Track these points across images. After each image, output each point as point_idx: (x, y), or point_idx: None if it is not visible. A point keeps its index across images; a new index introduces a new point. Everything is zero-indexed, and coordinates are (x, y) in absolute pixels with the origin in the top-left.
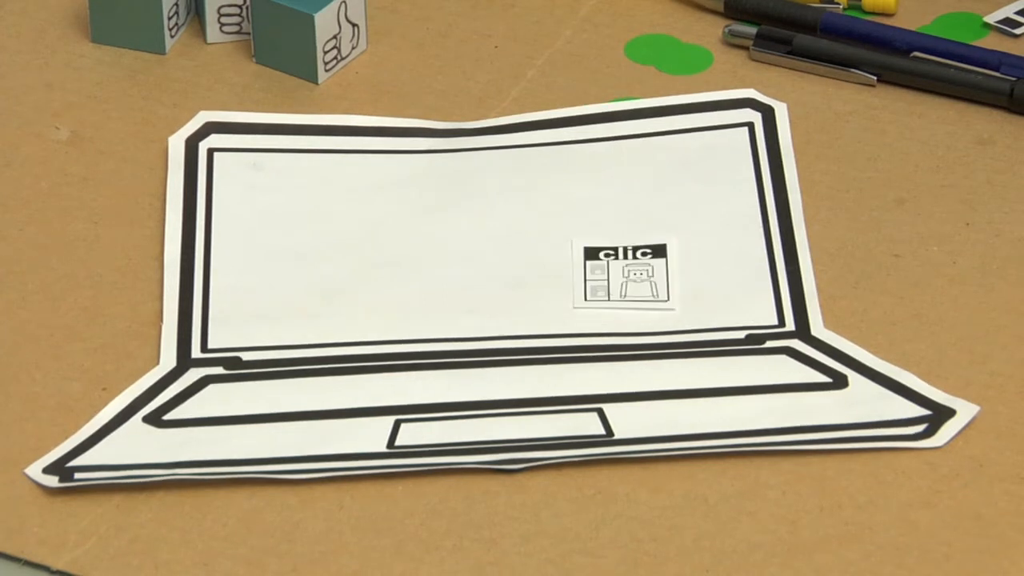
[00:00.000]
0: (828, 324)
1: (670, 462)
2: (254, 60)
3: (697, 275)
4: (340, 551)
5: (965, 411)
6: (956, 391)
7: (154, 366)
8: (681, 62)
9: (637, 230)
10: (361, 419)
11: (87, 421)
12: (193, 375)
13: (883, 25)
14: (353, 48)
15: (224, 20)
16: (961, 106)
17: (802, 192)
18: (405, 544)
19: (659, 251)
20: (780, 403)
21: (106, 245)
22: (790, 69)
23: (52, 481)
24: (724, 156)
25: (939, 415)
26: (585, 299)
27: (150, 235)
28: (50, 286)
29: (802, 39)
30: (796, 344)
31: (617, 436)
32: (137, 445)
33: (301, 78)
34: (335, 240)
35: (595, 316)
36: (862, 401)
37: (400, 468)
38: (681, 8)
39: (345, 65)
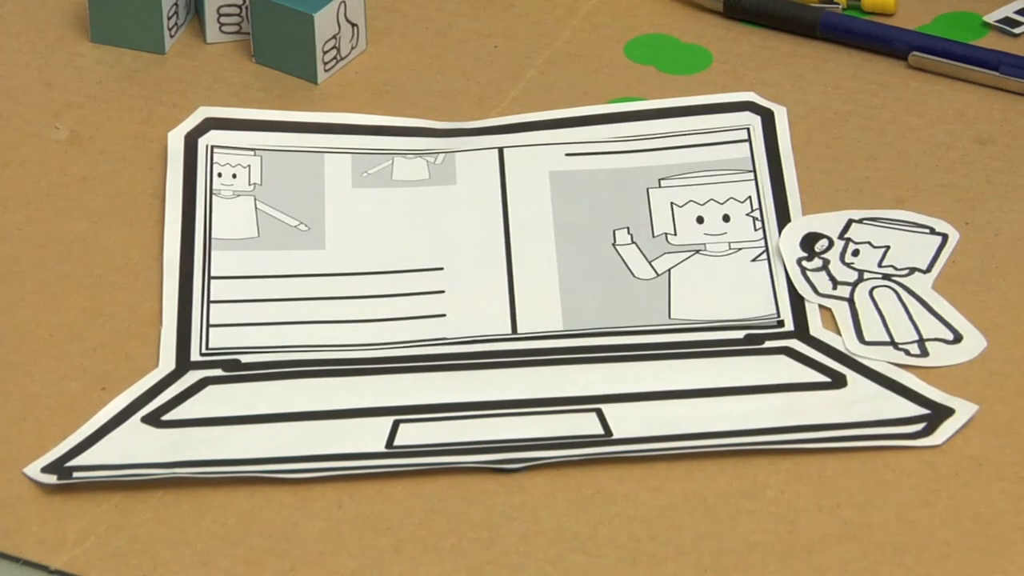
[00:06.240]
0: (827, 324)
1: (669, 462)
2: (254, 60)
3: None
4: (339, 551)
5: (964, 410)
6: (955, 390)
7: (153, 366)
8: (681, 62)
9: (635, 231)
10: (360, 419)
11: (86, 421)
12: (192, 377)
13: (883, 25)
14: (353, 48)
15: (224, 20)
16: (961, 106)
17: (802, 192)
18: (404, 544)
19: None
20: (779, 403)
21: (105, 245)
22: (791, 67)
23: (51, 480)
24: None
25: (938, 414)
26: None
27: (149, 235)
28: (49, 286)
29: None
30: (795, 344)
31: (616, 436)
32: (136, 445)
33: (301, 78)
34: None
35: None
36: (861, 400)
37: (399, 468)
38: (681, 8)
39: (345, 65)
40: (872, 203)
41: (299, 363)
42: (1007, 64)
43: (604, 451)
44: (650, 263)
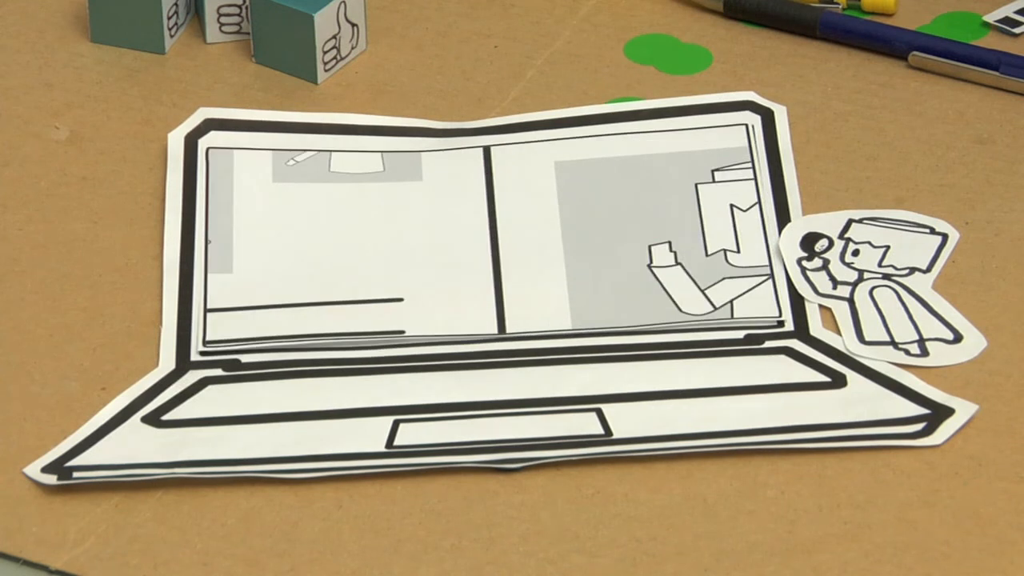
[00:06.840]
0: (827, 324)
1: (669, 462)
2: (254, 60)
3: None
4: (339, 551)
5: (964, 410)
6: (955, 390)
7: (153, 366)
8: (681, 62)
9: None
10: (360, 419)
11: (86, 421)
12: (192, 377)
13: (882, 25)
14: (353, 48)
15: (224, 20)
16: (961, 106)
17: (802, 192)
18: (404, 544)
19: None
20: (779, 403)
21: (105, 245)
22: (793, 65)
23: (51, 480)
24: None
25: (938, 414)
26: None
27: (149, 235)
28: (49, 286)
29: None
30: (795, 344)
31: (616, 436)
32: (136, 445)
33: (301, 78)
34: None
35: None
36: (861, 400)
37: (399, 468)
38: (681, 8)
39: (345, 65)
40: (872, 203)
41: (299, 363)
42: (1007, 64)
43: (604, 451)
44: (649, 249)
